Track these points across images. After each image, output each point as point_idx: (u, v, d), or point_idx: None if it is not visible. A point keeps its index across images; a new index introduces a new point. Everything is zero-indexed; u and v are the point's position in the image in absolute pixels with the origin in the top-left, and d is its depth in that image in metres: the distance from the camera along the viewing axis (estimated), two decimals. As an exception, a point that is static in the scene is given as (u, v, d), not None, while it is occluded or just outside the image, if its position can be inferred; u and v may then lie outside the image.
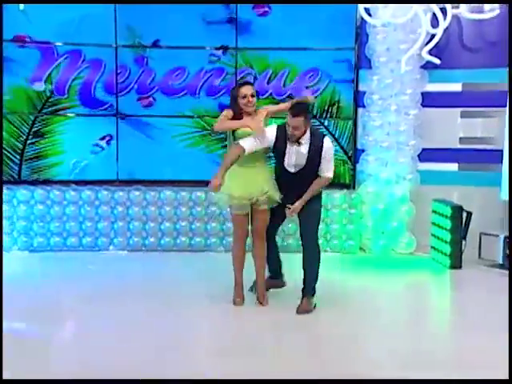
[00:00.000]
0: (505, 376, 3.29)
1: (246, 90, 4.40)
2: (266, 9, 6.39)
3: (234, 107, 4.44)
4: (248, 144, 4.28)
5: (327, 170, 4.39)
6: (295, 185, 4.39)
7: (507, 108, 5.71)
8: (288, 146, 4.32)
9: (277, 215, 4.53)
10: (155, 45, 6.36)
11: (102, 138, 6.44)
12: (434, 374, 3.43)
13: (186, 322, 4.25)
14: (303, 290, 4.48)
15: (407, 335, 4.15)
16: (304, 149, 4.31)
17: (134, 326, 4.15)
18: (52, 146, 6.36)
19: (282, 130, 4.33)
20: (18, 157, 6.32)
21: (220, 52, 6.43)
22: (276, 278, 4.79)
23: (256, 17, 6.40)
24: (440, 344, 3.99)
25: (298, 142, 4.30)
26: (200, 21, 6.34)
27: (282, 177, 4.43)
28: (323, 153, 4.32)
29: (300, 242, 4.54)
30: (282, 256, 4.77)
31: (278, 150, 4.37)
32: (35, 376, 3.28)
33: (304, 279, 4.49)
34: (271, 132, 4.35)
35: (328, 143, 4.36)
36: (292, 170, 4.37)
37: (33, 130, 6.31)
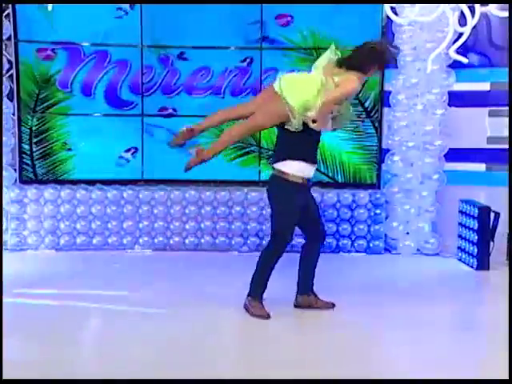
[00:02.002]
0: (505, 376, 3.24)
1: None
2: (289, 18, 6.38)
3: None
4: None
5: None
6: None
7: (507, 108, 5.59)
8: None
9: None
10: (180, 56, 6.40)
11: (128, 150, 6.48)
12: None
13: (208, 322, 4.26)
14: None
15: (431, 336, 4.10)
16: None
17: (156, 324, 4.17)
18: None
19: None
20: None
21: (245, 64, 6.43)
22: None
23: (279, 27, 6.38)
24: (467, 344, 3.95)
25: None
26: (224, 20, 6.33)
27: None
28: None
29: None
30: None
31: None
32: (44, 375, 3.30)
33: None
34: None
35: None
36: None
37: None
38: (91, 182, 6.44)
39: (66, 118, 6.40)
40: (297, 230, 4.40)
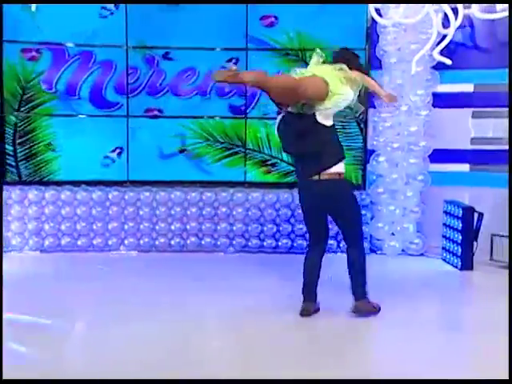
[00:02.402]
0: (505, 376, 3.27)
1: None
2: (273, 19, 6.39)
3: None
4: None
5: None
6: None
7: (507, 108, 5.63)
8: None
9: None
10: (165, 57, 6.39)
11: (113, 151, 6.46)
12: (434, 374, 3.41)
13: (198, 321, 4.26)
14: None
15: (418, 336, 4.13)
16: None
17: (141, 324, 4.17)
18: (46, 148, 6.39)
19: None
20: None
21: (231, 64, 6.43)
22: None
23: (263, 27, 6.39)
24: (442, 344, 3.98)
25: None
26: (209, 22, 6.34)
27: None
28: None
29: None
30: (293, 258, 4.68)
31: None
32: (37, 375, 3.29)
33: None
34: None
35: None
36: None
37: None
38: (76, 183, 6.41)
39: (51, 119, 6.36)
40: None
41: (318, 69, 4.22)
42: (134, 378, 3.24)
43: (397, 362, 3.66)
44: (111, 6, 6.27)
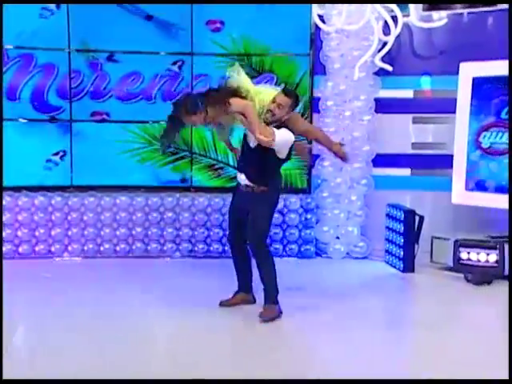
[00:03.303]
0: (505, 376, 3.37)
1: None
2: (218, 25, 6.40)
3: None
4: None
5: None
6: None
7: (507, 109, 5.72)
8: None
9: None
10: (110, 59, 6.31)
11: (56, 154, 6.34)
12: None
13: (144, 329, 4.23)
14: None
15: (365, 336, 4.21)
16: None
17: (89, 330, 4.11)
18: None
19: None
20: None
21: (176, 67, 6.41)
22: (247, 292, 4.77)
23: (210, 32, 6.38)
24: (398, 343, 4.09)
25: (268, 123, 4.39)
26: (153, 26, 6.30)
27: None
28: None
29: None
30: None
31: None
32: None
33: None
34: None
35: None
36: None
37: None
38: (17, 189, 6.26)
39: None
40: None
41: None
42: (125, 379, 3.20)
43: (341, 363, 3.74)
44: (52, 6, 6.12)
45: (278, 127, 4.40)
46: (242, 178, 4.53)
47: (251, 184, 4.47)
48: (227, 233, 4.95)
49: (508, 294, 4.71)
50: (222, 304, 4.68)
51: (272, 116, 4.38)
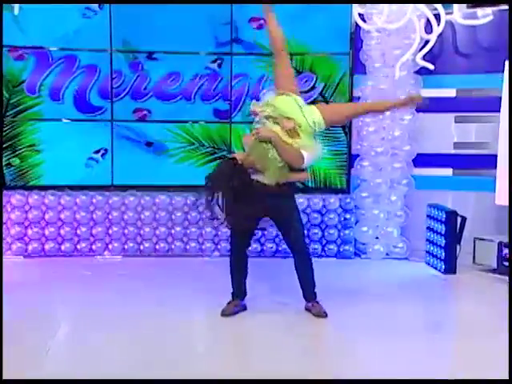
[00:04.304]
0: (505, 376, 3.31)
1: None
2: (262, 21, 6.40)
3: None
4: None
5: None
6: None
7: (507, 110, 5.67)
8: None
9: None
10: (150, 57, 6.37)
11: (97, 152, 6.43)
12: (434, 374, 3.46)
13: (181, 325, 4.25)
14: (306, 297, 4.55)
15: (405, 338, 4.16)
16: None
17: (130, 329, 4.15)
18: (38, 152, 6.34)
19: None
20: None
21: (215, 65, 6.44)
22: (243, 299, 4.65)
23: (253, 29, 6.38)
24: (439, 346, 4.02)
25: None
26: (195, 22, 6.33)
27: None
28: None
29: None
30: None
31: None
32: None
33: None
34: None
35: None
36: None
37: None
38: (60, 188, 6.37)
39: (36, 124, 6.31)
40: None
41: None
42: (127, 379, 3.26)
43: (383, 364, 3.70)
44: (95, 6, 6.22)
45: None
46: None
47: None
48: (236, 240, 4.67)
49: (508, 294, 4.60)
50: (224, 314, 4.50)
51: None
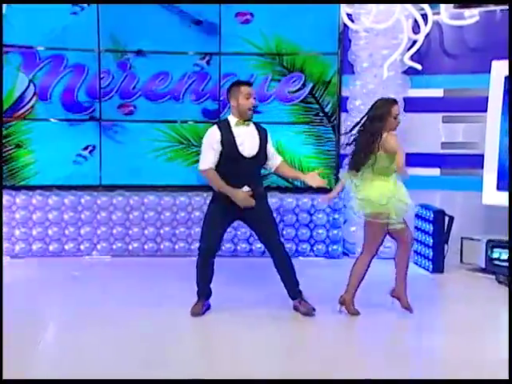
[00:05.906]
0: (505, 376, 3.33)
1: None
2: (248, 16, 6.41)
3: None
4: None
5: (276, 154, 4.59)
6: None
7: (507, 110, 5.67)
8: (235, 132, 4.35)
9: None
10: (139, 53, 6.35)
11: (85, 148, 6.40)
12: (433, 373, 3.48)
13: (176, 324, 4.24)
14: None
15: (394, 337, 4.17)
16: (254, 132, 4.40)
17: (120, 328, 4.14)
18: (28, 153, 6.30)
19: (223, 125, 4.38)
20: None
21: (204, 62, 6.43)
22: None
23: (238, 24, 6.39)
24: (432, 344, 4.06)
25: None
26: (182, 26, 6.32)
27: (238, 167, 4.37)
28: (268, 138, 4.48)
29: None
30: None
31: (227, 143, 4.34)
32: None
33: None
34: (215, 138, 4.35)
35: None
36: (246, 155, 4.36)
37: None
38: (48, 188, 6.33)
39: (26, 124, 6.27)
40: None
41: None
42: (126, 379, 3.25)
43: (374, 364, 3.71)
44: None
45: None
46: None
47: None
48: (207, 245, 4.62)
49: (508, 294, 4.62)
50: (194, 314, 4.46)
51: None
